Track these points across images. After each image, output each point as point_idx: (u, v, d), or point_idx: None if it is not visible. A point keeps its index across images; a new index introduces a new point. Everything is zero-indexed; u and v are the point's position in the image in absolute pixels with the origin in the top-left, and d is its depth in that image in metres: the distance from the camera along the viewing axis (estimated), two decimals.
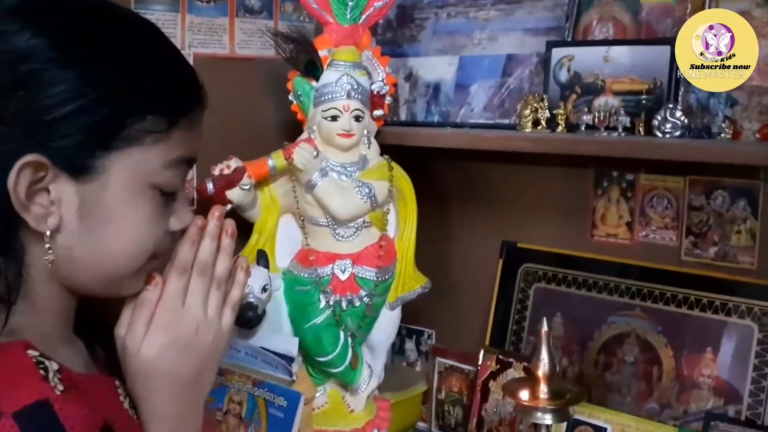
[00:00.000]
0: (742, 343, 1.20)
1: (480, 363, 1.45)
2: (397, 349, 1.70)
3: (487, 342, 1.49)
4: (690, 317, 1.26)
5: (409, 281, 1.39)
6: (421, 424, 1.61)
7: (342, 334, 1.31)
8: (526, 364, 1.40)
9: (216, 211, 0.80)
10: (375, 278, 1.32)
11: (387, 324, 1.39)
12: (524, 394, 1.11)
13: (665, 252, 1.32)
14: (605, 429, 1.28)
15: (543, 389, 1.11)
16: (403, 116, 1.55)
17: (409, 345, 1.68)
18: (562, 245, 1.44)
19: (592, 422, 1.29)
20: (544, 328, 1.12)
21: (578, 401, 1.11)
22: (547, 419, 1.09)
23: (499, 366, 1.43)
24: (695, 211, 1.28)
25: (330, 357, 1.30)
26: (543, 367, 1.11)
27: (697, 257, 1.28)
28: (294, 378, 1.19)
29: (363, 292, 1.32)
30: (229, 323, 0.80)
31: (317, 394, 1.34)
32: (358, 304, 1.32)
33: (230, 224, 0.81)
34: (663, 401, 1.27)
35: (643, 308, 1.31)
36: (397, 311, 1.40)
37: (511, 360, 1.41)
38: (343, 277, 1.31)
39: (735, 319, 1.22)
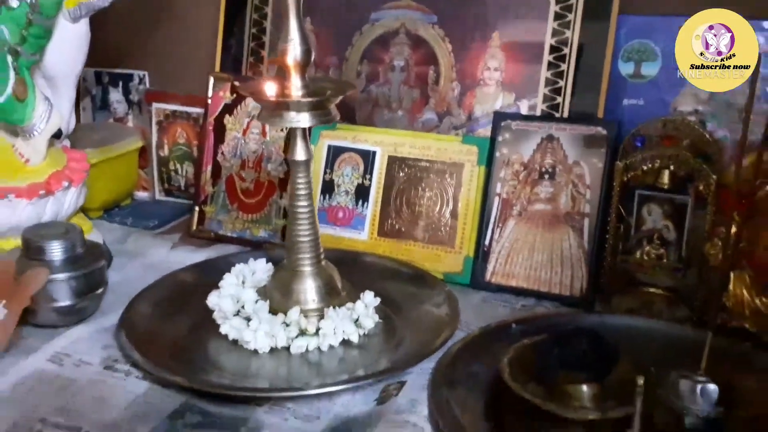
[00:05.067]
0: (538, 15, 0.96)
1: (209, 94, 1.10)
2: (99, 103, 1.29)
3: (217, 68, 1.14)
4: None
5: None
6: (141, 194, 1.25)
7: None
8: None
9: None
10: None
11: (68, 43, 0.98)
12: (271, 89, 0.78)
13: None
14: (374, 152, 1.01)
15: (296, 83, 0.79)
16: None
17: (115, 95, 1.28)
18: None
19: (357, 147, 1.02)
20: None
21: (343, 93, 0.81)
22: (303, 120, 0.78)
23: (235, 95, 1.09)
24: None
25: None
26: (294, 51, 0.78)
27: None
28: None
29: None
30: None
31: None
32: (15, 4, 0.89)
33: None
34: (442, 109, 1.02)
35: None
36: (84, 27, 0.99)
37: None
38: None
39: None
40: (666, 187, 0.86)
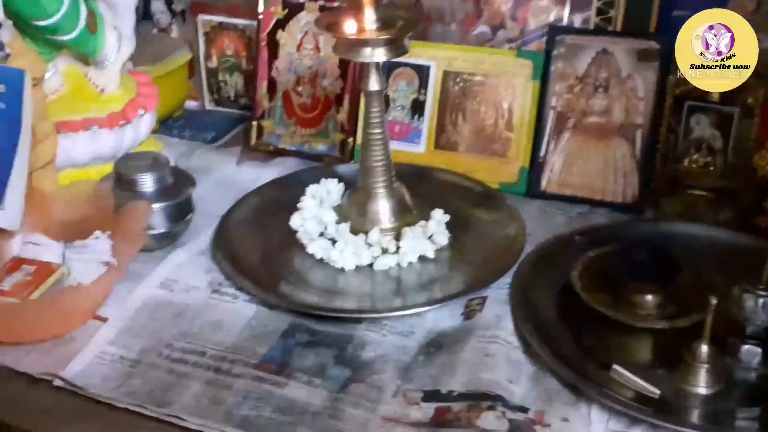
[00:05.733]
0: None
1: (261, 10, 1.12)
2: (141, 14, 1.30)
3: None
4: None
5: None
6: (190, 103, 1.29)
7: None
8: (322, 2, 1.09)
9: None
10: None
11: None
12: (350, 26, 0.82)
13: None
14: (428, 67, 1.05)
15: (369, 17, 0.82)
16: None
17: (158, 5, 1.29)
18: None
19: (411, 62, 1.05)
20: None
21: (413, 28, 0.84)
22: (378, 54, 0.82)
23: (287, 11, 1.11)
24: None
25: (55, 19, 0.89)
26: None
27: None
28: (7, 51, 0.80)
29: None
30: None
31: (47, 75, 0.95)
32: None
33: None
34: (495, 22, 1.04)
35: None
36: None
37: (301, 0, 1.10)
38: None
39: None
40: (716, 100, 0.91)
